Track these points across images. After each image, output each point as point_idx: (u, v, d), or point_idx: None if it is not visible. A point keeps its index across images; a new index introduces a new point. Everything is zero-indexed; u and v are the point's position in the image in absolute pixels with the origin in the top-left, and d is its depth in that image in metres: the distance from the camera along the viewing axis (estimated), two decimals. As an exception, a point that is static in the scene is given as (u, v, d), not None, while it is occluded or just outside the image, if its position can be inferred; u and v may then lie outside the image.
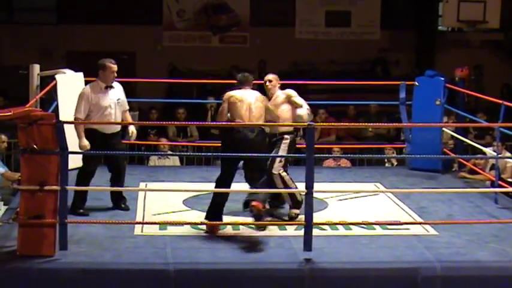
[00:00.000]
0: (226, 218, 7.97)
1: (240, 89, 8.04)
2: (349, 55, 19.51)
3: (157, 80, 15.49)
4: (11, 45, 18.92)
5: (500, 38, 19.27)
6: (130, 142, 9.67)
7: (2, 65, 18.83)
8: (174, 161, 12.77)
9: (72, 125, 7.93)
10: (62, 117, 8.24)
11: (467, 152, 11.14)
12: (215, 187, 7.85)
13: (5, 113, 6.77)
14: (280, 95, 8.34)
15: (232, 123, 7.78)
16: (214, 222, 7.68)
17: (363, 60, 19.61)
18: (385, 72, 19.64)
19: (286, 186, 8.09)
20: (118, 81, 8.48)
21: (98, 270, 6.73)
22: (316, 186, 7.07)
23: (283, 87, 8.56)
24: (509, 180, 10.87)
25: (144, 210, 8.39)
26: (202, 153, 12.26)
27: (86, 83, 8.58)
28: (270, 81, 8.40)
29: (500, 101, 9.23)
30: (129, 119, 8.60)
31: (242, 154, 7.61)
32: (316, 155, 7.25)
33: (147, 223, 7.77)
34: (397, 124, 12.86)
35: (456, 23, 17.69)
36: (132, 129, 8.57)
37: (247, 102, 7.87)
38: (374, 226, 7.83)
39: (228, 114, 7.89)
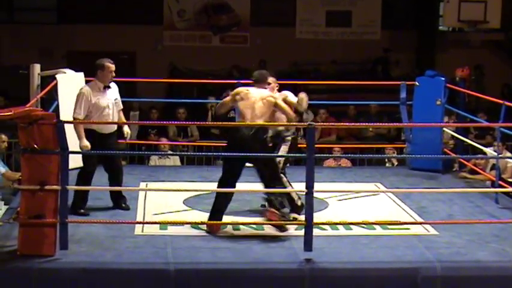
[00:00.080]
0: (226, 218, 7.96)
1: (253, 86, 8.05)
2: (349, 55, 19.52)
3: (158, 80, 15.52)
4: (11, 45, 18.94)
5: (500, 38, 19.28)
6: (125, 142, 9.66)
7: (2, 65, 18.85)
8: (175, 160, 12.77)
9: (72, 125, 7.93)
10: (62, 117, 8.23)
11: (468, 152, 11.14)
12: (217, 187, 7.86)
13: (5, 112, 6.78)
14: (277, 97, 8.35)
15: (231, 122, 7.79)
16: (215, 222, 7.69)
17: (363, 60, 19.62)
18: (386, 72, 19.64)
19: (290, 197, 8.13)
20: (118, 81, 8.49)
21: (99, 270, 6.72)
22: (317, 186, 7.07)
23: (283, 87, 8.56)
24: (510, 180, 10.87)
25: (144, 210, 8.39)
26: (203, 153, 12.27)
27: (87, 82, 8.58)
28: (269, 83, 8.40)
29: (501, 101, 9.23)
30: (123, 118, 8.61)
31: (240, 154, 7.60)
32: (316, 155, 7.25)
33: (147, 223, 7.77)
34: (397, 124, 12.87)
35: (457, 23, 17.70)
36: (126, 129, 8.56)
37: (251, 100, 7.88)
38: (374, 226, 7.83)
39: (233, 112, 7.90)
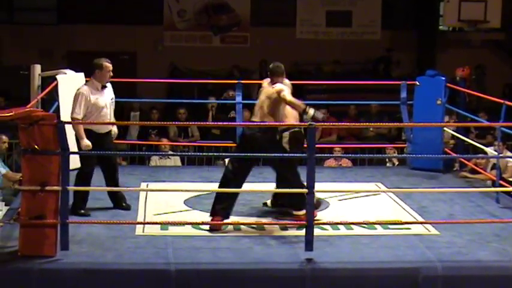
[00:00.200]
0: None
1: (270, 81, 8.07)
2: (350, 55, 19.52)
3: (158, 80, 15.51)
4: (12, 45, 18.94)
5: (501, 37, 19.29)
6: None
7: (3, 65, 18.85)
8: (175, 161, 12.77)
9: (72, 125, 7.94)
10: (63, 118, 8.23)
11: (469, 151, 11.14)
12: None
13: (6, 113, 6.78)
14: (282, 89, 8.34)
15: (231, 122, 7.82)
16: (216, 222, 7.69)
17: (364, 60, 19.62)
18: (386, 72, 19.65)
19: None
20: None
21: (99, 271, 6.73)
22: (317, 186, 7.08)
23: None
24: (511, 179, 10.86)
25: (145, 211, 8.38)
26: (203, 154, 12.27)
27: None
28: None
29: (501, 101, 9.22)
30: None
31: (241, 154, 7.61)
32: (317, 155, 7.24)
33: (148, 223, 7.77)
34: (398, 124, 12.86)
35: (457, 22, 17.70)
36: (114, 129, 8.55)
37: (261, 98, 7.95)
38: (375, 226, 7.83)
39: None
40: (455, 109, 10.87)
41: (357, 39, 19.70)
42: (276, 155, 7.75)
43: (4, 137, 11.20)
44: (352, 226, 7.83)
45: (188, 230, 7.64)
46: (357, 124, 14.49)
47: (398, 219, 8.11)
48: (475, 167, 10.44)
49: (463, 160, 10.72)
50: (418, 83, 10.64)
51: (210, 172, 10.20)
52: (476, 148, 10.27)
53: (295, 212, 8.02)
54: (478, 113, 12.81)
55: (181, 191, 8.98)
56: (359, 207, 8.65)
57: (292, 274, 6.83)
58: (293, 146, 7.97)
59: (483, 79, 19.02)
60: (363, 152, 12.27)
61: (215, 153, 12.04)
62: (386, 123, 14.65)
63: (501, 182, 9.10)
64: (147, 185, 9.47)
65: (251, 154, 7.63)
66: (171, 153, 12.71)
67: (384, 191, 9.45)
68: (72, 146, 7.83)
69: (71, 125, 7.81)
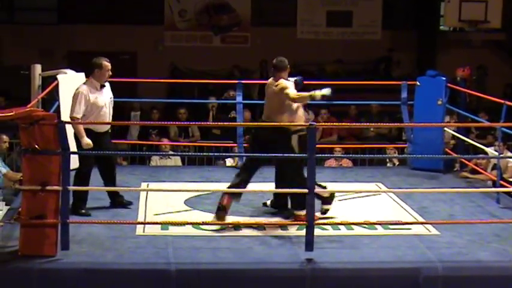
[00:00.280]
0: (227, 218, 7.97)
1: (273, 75, 8.07)
2: (350, 55, 19.52)
3: (159, 80, 15.51)
4: (12, 45, 18.94)
5: (501, 37, 19.30)
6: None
7: (3, 65, 18.86)
8: (176, 161, 12.77)
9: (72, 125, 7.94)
10: (63, 118, 8.23)
11: (469, 151, 11.14)
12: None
13: (6, 113, 6.78)
14: (285, 85, 8.35)
15: (232, 122, 7.84)
16: (217, 222, 7.70)
17: (364, 60, 19.62)
18: (387, 72, 19.64)
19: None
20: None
21: (100, 270, 6.73)
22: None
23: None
24: (511, 180, 10.85)
25: (145, 210, 8.38)
26: (204, 153, 12.27)
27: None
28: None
29: (502, 101, 9.22)
30: None
31: (243, 154, 7.62)
32: (317, 155, 7.24)
33: (148, 223, 7.77)
34: (398, 124, 12.86)
35: (457, 22, 17.69)
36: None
37: (267, 96, 7.98)
38: (375, 226, 7.82)
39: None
40: (455, 109, 10.87)
41: (358, 39, 19.70)
42: (277, 155, 7.75)
43: (4, 137, 11.20)
44: (353, 226, 7.83)
45: (188, 230, 7.64)
46: (357, 124, 14.48)
47: (399, 219, 8.11)
48: (476, 167, 10.44)
49: (463, 160, 10.72)
50: (418, 83, 10.64)
51: (211, 172, 10.22)
52: (477, 148, 10.27)
53: (296, 212, 8.02)
54: (478, 113, 12.80)
55: (182, 191, 8.99)
56: (359, 208, 8.65)
57: (292, 274, 6.83)
58: (301, 149, 7.98)
59: (484, 79, 19.01)
60: (364, 152, 12.27)
61: (215, 153, 12.05)
62: (387, 124, 14.65)
63: (501, 182, 9.10)
64: (148, 185, 9.47)
65: (258, 154, 7.63)
66: (172, 153, 12.71)
67: (384, 191, 9.45)
68: (72, 146, 7.83)
69: (70, 125, 7.81)
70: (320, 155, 8.93)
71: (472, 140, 10.96)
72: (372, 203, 8.84)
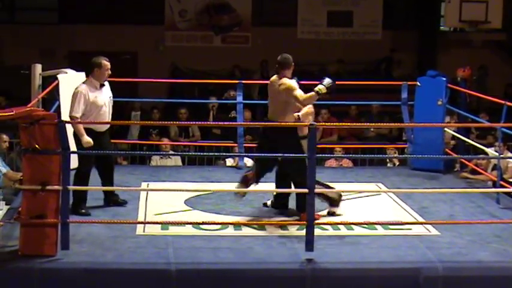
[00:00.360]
0: (227, 218, 7.98)
1: (277, 72, 8.06)
2: (351, 55, 19.51)
3: (159, 80, 15.50)
4: (13, 44, 18.94)
5: (502, 38, 19.29)
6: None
7: (4, 65, 18.86)
8: (176, 160, 12.77)
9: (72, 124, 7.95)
10: (63, 117, 8.24)
11: (469, 152, 11.14)
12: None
13: (7, 112, 6.78)
14: (291, 85, 8.35)
15: (232, 123, 7.83)
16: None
17: (365, 61, 19.61)
18: (388, 72, 19.64)
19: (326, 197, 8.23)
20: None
21: (100, 270, 6.73)
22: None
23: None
24: (511, 180, 10.85)
25: (145, 210, 8.38)
26: (204, 153, 12.27)
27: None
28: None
29: (502, 101, 9.22)
30: None
31: (245, 154, 7.62)
32: (318, 155, 7.24)
33: (148, 223, 7.77)
34: (399, 124, 12.86)
35: (458, 23, 17.69)
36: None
37: (270, 92, 7.97)
38: (376, 226, 7.82)
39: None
40: (456, 109, 10.87)
41: (358, 40, 19.70)
42: (277, 155, 7.74)
43: (5, 136, 11.20)
44: (353, 226, 7.83)
45: (189, 230, 7.64)
46: (357, 124, 14.48)
47: (399, 219, 8.11)
48: (476, 168, 10.44)
49: (463, 161, 10.71)
50: (419, 84, 10.64)
51: (211, 172, 10.22)
52: (477, 149, 10.27)
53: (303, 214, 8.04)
54: (478, 114, 12.80)
55: (182, 190, 8.99)
56: (360, 208, 8.65)
57: (292, 274, 6.83)
58: None
59: (485, 80, 19.00)
60: (364, 152, 12.27)
61: (216, 153, 12.04)
62: (387, 124, 14.65)
63: (502, 182, 9.10)
64: (148, 184, 9.47)
65: (259, 154, 7.64)
66: (172, 153, 12.71)
67: (384, 192, 9.46)
68: (73, 146, 7.84)
69: (70, 124, 7.81)
70: (320, 155, 8.95)
71: (472, 140, 10.96)
72: (372, 203, 8.84)
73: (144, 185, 9.43)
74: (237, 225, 7.82)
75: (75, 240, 7.11)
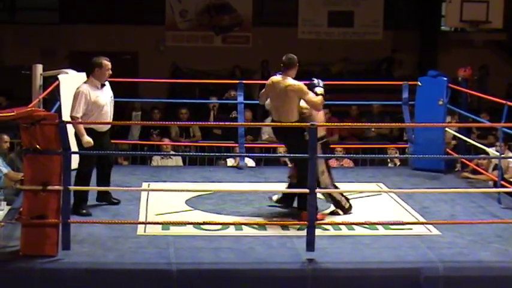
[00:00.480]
0: (228, 218, 7.97)
1: (282, 72, 8.06)
2: (351, 55, 19.51)
3: (160, 80, 15.52)
4: (14, 45, 18.94)
5: (503, 38, 19.29)
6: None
7: (5, 65, 18.86)
8: (177, 161, 12.77)
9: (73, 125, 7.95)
10: (64, 117, 8.24)
11: (470, 152, 11.13)
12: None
13: (7, 113, 6.78)
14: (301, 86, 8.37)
15: (232, 123, 7.82)
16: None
17: (366, 61, 19.61)
18: (389, 72, 19.64)
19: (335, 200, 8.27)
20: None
21: (101, 270, 6.73)
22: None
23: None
24: (512, 180, 10.86)
25: (146, 210, 8.38)
26: (205, 154, 12.26)
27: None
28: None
29: (503, 101, 9.22)
30: None
31: (248, 154, 7.61)
32: (318, 155, 7.24)
33: (149, 223, 7.77)
34: (399, 124, 12.85)
35: (459, 23, 17.70)
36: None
37: (274, 93, 7.93)
38: (377, 226, 7.82)
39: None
40: (457, 109, 10.87)
41: (359, 40, 19.70)
42: (278, 155, 7.75)
43: (5, 137, 11.20)
44: (354, 226, 7.83)
45: (190, 230, 7.64)
46: (358, 124, 14.48)
47: (400, 219, 8.10)
48: (477, 168, 10.44)
49: (464, 161, 10.71)
50: (419, 84, 10.64)
51: (212, 172, 10.21)
52: (478, 149, 10.27)
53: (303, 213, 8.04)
54: (479, 114, 12.79)
55: (183, 191, 8.99)
56: (360, 208, 8.64)
57: (293, 274, 6.83)
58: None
59: (486, 80, 19.00)
60: (365, 152, 12.27)
61: (217, 154, 12.03)
62: (388, 124, 14.65)
63: (503, 182, 9.09)
64: (149, 185, 9.47)
65: (263, 155, 7.62)
66: (173, 153, 12.71)
67: (385, 192, 9.45)
68: (74, 146, 7.84)
69: (70, 124, 7.81)
70: (321, 155, 8.94)
71: (473, 140, 10.95)
72: (373, 203, 8.84)
73: (145, 185, 9.43)
74: (238, 226, 7.81)
75: (76, 240, 7.11)
